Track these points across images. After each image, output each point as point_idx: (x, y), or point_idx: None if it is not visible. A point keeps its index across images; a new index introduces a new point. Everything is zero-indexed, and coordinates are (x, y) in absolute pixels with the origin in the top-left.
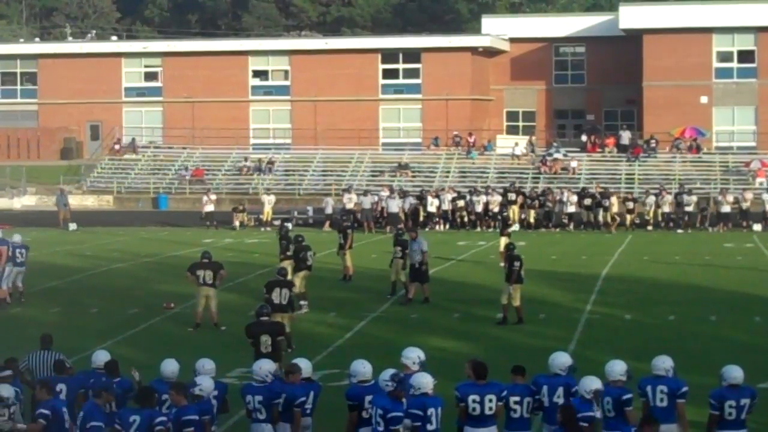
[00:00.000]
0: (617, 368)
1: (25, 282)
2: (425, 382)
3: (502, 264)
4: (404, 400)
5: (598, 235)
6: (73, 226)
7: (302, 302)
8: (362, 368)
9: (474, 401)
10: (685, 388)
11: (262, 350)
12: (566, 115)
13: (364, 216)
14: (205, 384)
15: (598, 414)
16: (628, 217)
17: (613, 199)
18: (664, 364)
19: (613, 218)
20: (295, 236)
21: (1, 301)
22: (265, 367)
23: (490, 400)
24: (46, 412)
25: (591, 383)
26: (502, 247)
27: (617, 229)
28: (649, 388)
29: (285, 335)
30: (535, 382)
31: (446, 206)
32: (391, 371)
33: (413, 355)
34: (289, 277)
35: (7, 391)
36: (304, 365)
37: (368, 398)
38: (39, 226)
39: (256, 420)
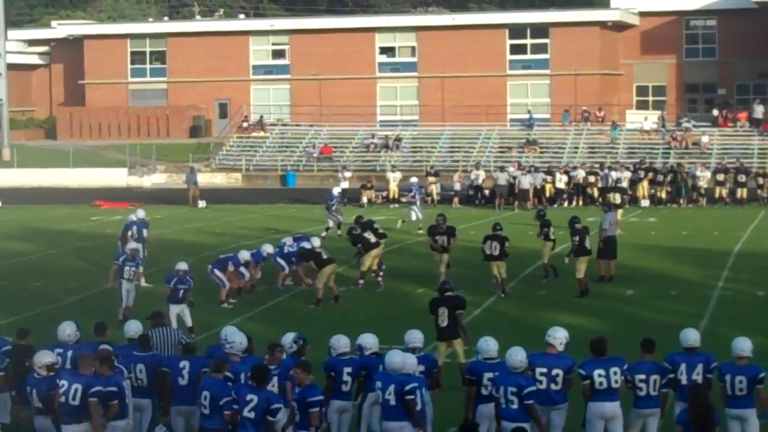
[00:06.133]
0: (742, 345)
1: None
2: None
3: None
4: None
5: (730, 210)
6: (202, 203)
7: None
8: (486, 345)
9: (600, 375)
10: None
11: (439, 323)
12: (697, 89)
13: (499, 191)
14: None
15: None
16: (759, 192)
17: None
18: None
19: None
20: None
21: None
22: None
23: (615, 373)
24: (113, 389)
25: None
26: None
27: (749, 204)
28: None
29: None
30: (671, 360)
31: (580, 182)
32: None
33: (560, 335)
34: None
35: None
36: (371, 340)
37: (488, 375)
38: (168, 204)
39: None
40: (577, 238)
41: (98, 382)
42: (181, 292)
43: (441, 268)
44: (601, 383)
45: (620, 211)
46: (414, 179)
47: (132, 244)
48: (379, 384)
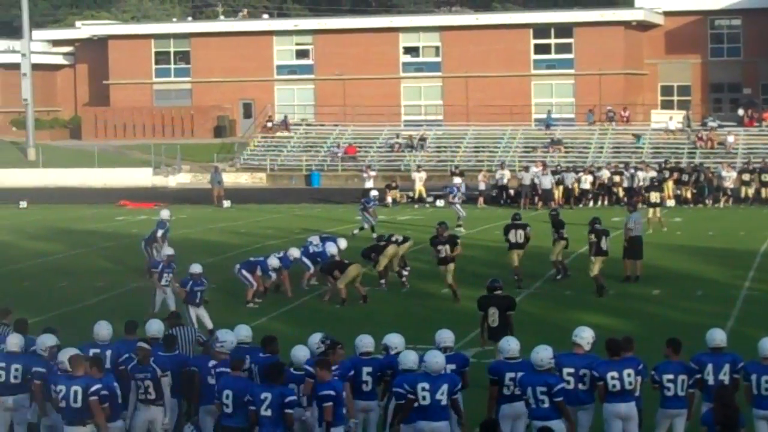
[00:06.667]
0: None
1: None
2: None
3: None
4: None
5: (756, 210)
6: (226, 203)
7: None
8: (507, 345)
9: (613, 378)
10: None
11: (490, 323)
12: (722, 89)
13: (524, 192)
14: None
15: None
16: None
17: None
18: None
19: None
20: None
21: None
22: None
23: (629, 375)
24: (105, 392)
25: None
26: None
27: None
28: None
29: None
30: (698, 361)
31: (605, 182)
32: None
33: (587, 334)
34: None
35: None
36: (396, 340)
37: (510, 375)
38: (193, 204)
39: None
40: (593, 237)
41: (96, 382)
42: (198, 294)
43: (448, 279)
44: (614, 385)
45: (659, 210)
46: (457, 179)
47: (168, 250)
48: (426, 386)
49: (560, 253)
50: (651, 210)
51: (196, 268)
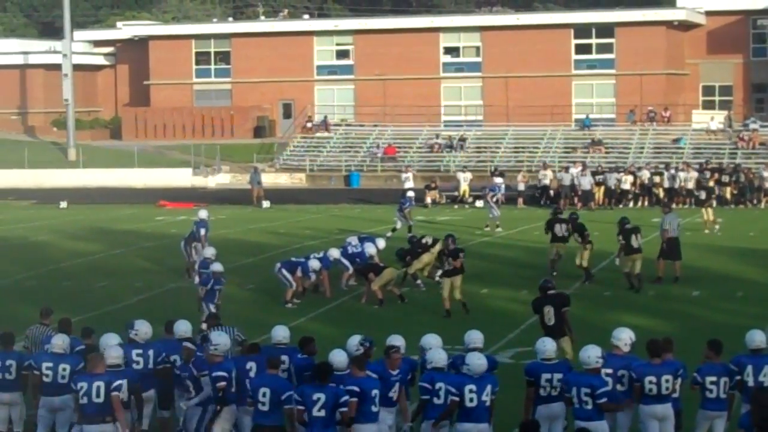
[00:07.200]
0: None
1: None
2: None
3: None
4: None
5: None
6: (266, 203)
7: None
8: (543, 346)
9: (650, 382)
10: None
11: (546, 322)
12: (764, 89)
13: (563, 192)
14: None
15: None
16: None
17: None
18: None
19: None
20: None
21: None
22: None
23: (667, 381)
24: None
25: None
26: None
27: None
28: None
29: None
30: (738, 362)
31: (645, 182)
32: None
33: (625, 336)
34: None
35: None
36: (433, 340)
37: (545, 376)
38: (233, 204)
39: None
40: (621, 238)
41: (117, 377)
42: (218, 293)
43: (456, 294)
44: (650, 389)
45: (711, 210)
46: (499, 179)
47: (209, 250)
48: (473, 387)
49: (586, 257)
50: (705, 211)
51: (217, 267)
